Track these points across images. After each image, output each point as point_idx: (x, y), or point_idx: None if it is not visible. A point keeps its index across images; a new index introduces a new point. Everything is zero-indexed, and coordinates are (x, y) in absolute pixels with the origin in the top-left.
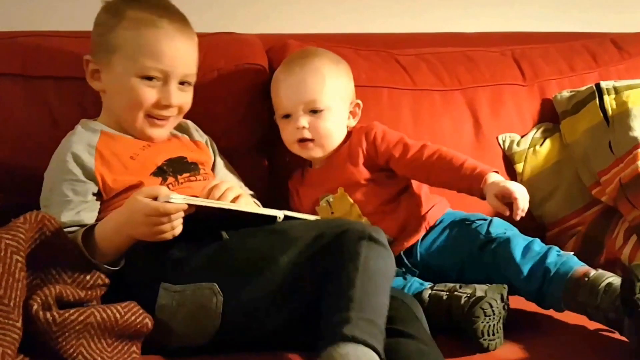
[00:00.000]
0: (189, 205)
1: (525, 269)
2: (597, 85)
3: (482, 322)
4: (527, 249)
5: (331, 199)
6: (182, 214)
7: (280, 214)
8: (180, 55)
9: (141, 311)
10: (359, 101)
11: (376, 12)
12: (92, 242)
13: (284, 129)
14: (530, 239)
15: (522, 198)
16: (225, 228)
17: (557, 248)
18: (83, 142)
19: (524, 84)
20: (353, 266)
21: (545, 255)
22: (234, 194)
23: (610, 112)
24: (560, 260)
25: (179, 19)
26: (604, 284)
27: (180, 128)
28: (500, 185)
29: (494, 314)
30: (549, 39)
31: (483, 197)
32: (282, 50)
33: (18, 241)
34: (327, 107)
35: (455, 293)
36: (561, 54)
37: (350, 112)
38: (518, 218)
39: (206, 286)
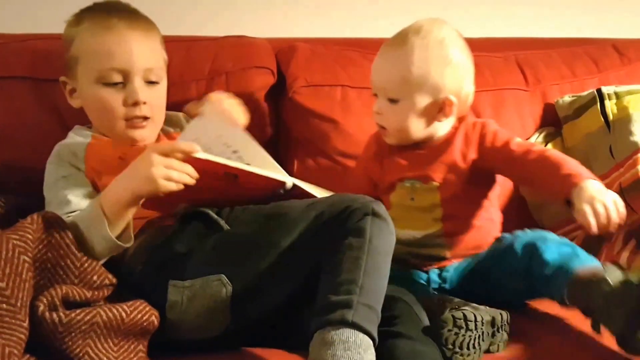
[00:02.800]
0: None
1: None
2: (599, 91)
3: (450, 330)
4: (556, 243)
5: (418, 185)
6: (190, 168)
7: (289, 180)
8: (135, 50)
9: (147, 309)
10: (453, 98)
11: (384, 17)
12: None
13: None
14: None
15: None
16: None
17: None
18: (72, 147)
19: (527, 88)
20: (358, 245)
21: (574, 249)
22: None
23: (611, 117)
24: (586, 256)
25: (131, 14)
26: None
27: (170, 122)
28: (588, 192)
29: (467, 328)
30: (552, 44)
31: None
32: (291, 54)
33: (25, 242)
34: (404, 98)
35: (445, 303)
36: (563, 59)
37: (440, 108)
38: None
39: (214, 278)
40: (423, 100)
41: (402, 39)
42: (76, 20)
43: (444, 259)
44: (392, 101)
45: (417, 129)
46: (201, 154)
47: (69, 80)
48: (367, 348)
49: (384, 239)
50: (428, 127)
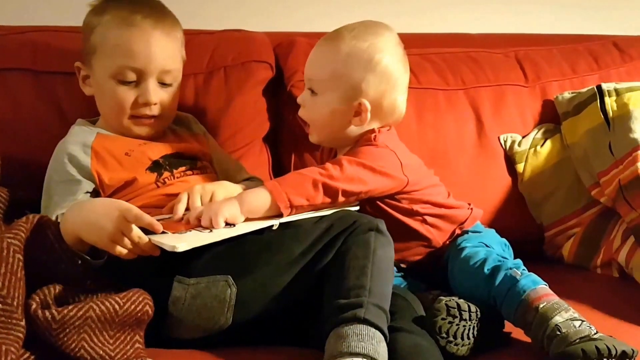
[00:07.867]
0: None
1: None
2: (599, 87)
3: (444, 319)
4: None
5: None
6: (147, 245)
7: (275, 222)
8: (155, 51)
9: (141, 299)
10: (368, 105)
11: (383, 12)
12: None
13: None
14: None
15: None
16: None
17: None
18: (78, 142)
19: (526, 85)
20: (364, 255)
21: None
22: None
23: (611, 113)
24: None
25: (156, 13)
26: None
27: (179, 121)
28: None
29: (461, 317)
30: (552, 41)
31: None
32: (289, 48)
33: (20, 240)
34: (323, 92)
35: (440, 297)
36: (563, 55)
37: (357, 112)
38: None
39: (221, 278)
40: (338, 99)
41: (336, 35)
42: (101, 8)
43: (401, 269)
44: (313, 93)
45: (334, 127)
46: (195, 242)
47: (83, 67)
48: (380, 341)
49: (386, 251)
50: (344, 128)
